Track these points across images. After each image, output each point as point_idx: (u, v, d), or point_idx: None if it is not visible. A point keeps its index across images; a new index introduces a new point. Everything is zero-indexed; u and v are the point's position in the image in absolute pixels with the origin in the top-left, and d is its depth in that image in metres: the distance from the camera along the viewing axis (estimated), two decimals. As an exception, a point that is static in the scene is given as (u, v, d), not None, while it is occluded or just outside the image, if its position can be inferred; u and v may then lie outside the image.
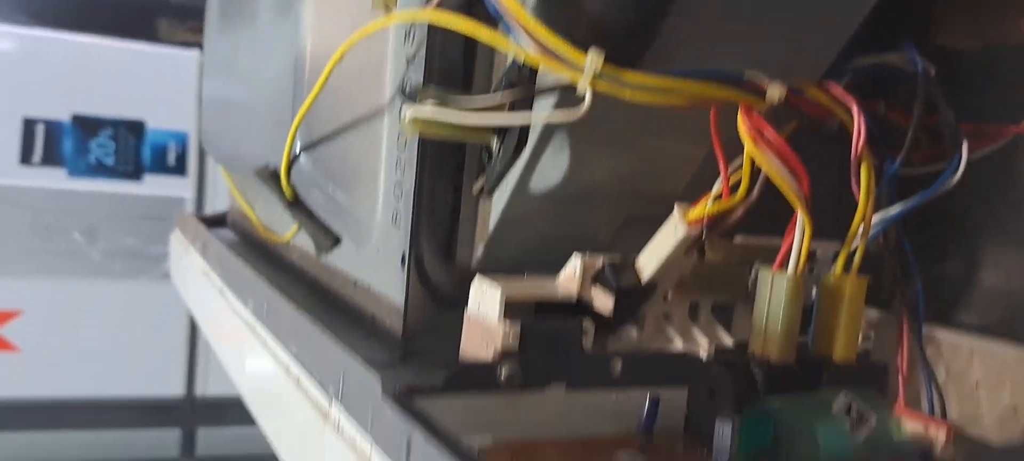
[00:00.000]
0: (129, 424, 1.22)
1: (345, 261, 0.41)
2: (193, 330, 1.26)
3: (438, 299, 0.37)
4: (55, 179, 1.22)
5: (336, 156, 0.39)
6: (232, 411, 1.27)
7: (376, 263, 0.38)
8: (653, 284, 0.35)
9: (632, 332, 0.38)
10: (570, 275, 0.35)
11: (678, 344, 0.39)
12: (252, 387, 0.43)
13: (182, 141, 1.26)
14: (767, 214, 0.36)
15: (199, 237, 0.57)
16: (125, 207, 1.24)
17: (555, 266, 0.35)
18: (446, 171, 0.36)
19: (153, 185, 1.24)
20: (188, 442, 1.26)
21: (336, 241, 0.43)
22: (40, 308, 1.21)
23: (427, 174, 0.35)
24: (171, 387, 1.24)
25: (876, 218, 0.33)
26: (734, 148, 0.30)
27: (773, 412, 0.30)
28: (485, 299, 0.33)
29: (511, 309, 0.33)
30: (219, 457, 1.27)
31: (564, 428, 0.31)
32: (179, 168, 1.23)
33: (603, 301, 0.34)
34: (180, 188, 1.23)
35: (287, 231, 0.47)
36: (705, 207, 0.32)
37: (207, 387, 1.26)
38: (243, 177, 0.54)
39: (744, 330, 0.38)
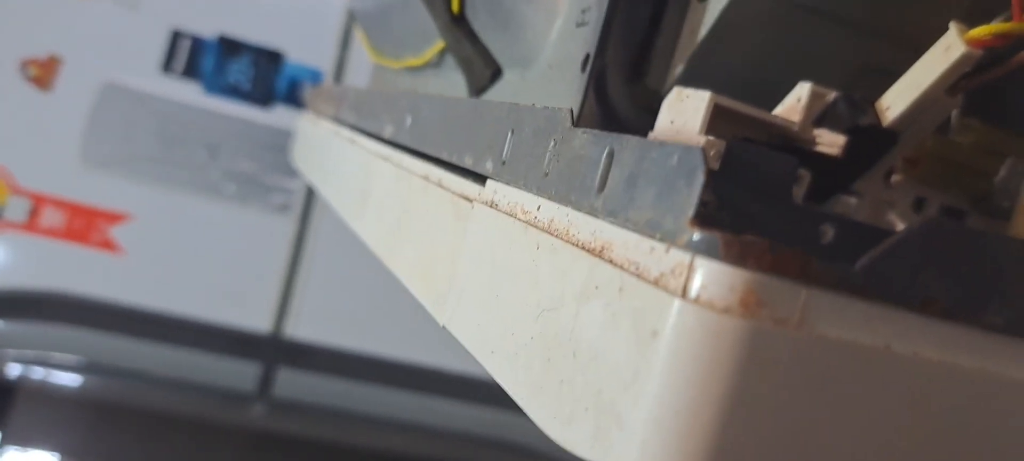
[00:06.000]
0: (212, 349, 1.20)
1: (502, 95, 0.36)
2: (292, 267, 1.23)
3: (614, 122, 0.31)
4: (190, 93, 1.22)
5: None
6: (316, 358, 1.23)
7: (545, 81, 0.33)
8: (895, 134, 0.28)
9: (848, 204, 0.31)
10: (792, 105, 0.28)
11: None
12: (377, 222, 0.38)
13: (317, 78, 1.25)
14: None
15: (333, 98, 0.53)
16: (250, 133, 1.23)
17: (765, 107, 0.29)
18: (656, -36, 0.30)
19: (281, 117, 1.23)
20: (267, 380, 1.23)
21: (495, 73, 0.37)
22: (151, 215, 1.21)
23: (634, -37, 0.30)
24: (260, 321, 1.22)
25: None
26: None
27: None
28: (684, 108, 0.26)
29: (717, 123, 0.26)
30: (295, 401, 1.23)
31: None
32: (309, 104, 1.21)
33: (830, 141, 0.28)
34: (306, 124, 1.22)
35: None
36: (991, 28, 0.25)
37: (297, 329, 1.23)
38: (383, 33, 0.50)
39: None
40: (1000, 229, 0.31)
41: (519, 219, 0.22)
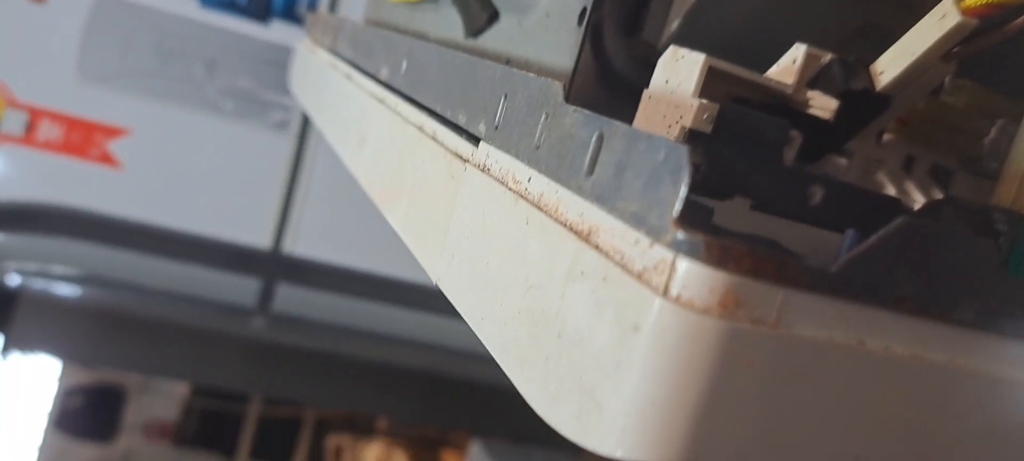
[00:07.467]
0: (211, 264, 1.21)
1: (498, 39, 0.36)
2: (291, 184, 1.24)
3: (610, 78, 0.31)
4: (187, 6, 1.20)
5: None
6: (315, 274, 1.25)
7: (541, 30, 0.32)
8: (888, 98, 0.28)
9: (838, 164, 0.32)
10: (787, 66, 0.28)
11: (890, 192, 0.32)
12: (373, 167, 0.38)
13: (314, -7, 1.23)
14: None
15: (330, 28, 0.52)
16: (248, 48, 1.22)
17: (759, 69, 0.29)
18: (655, -83, 0.30)
19: (279, 32, 1.22)
20: (266, 295, 1.24)
21: (492, 16, 0.37)
22: (148, 131, 1.21)
23: (633, -84, 0.29)
24: (259, 238, 1.23)
25: None
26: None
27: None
28: (679, 68, 0.27)
29: (711, 84, 0.26)
30: (295, 317, 1.25)
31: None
32: (307, 20, 1.19)
33: (823, 104, 0.28)
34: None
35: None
36: (987, -4, 0.25)
37: (295, 246, 1.24)
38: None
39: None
40: (988, 189, 0.31)
41: (510, 188, 0.23)
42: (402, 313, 1.27)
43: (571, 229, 0.19)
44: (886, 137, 0.32)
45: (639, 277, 0.16)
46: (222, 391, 2.37)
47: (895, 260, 0.16)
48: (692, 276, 0.15)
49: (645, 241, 0.17)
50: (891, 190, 0.31)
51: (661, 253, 0.16)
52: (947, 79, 0.31)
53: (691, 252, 0.15)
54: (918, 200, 0.32)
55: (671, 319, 0.15)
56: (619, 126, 0.18)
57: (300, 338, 1.33)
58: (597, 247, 0.18)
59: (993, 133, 0.32)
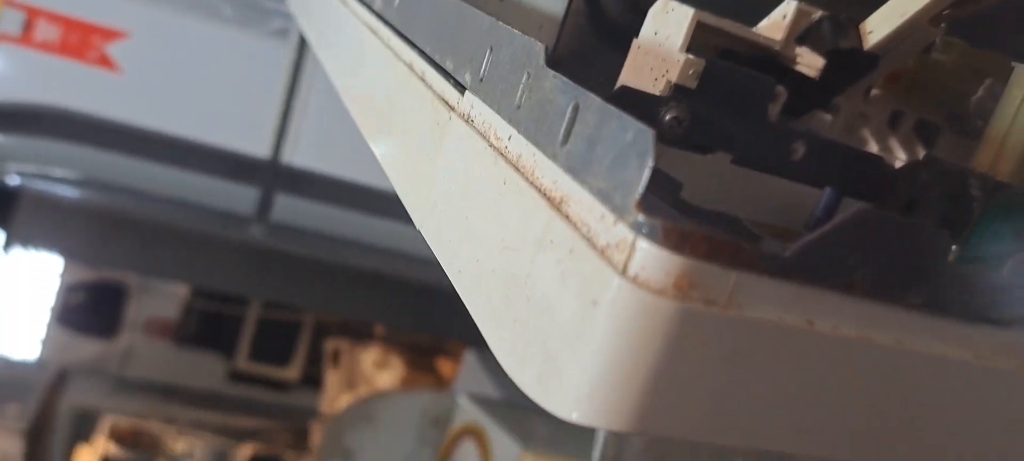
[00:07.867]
0: (210, 171, 1.22)
1: (493, -23, 0.36)
2: (290, 93, 1.23)
3: (602, 23, 0.31)
4: (184, -94, 1.18)
5: None
6: (314, 185, 1.25)
7: (535, -29, 0.32)
8: (876, 57, 0.28)
9: (823, 119, 0.32)
10: (777, 21, 0.28)
11: (873, 149, 0.33)
12: (364, 99, 0.38)
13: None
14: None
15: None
16: (247, -48, 1.20)
17: (750, 20, 0.29)
18: None
19: (279, -64, 1.20)
20: (265, 204, 1.26)
21: (487, -48, 0.37)
22: (147, 35, 1.20)
23: None
24: (259, 147, 1.23)
25: None
26: None
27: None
28: (668, 21, 0.27)
29: (699, 40, 0.26)
30: (293, 226, 1.27)
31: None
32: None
33: (810, 62, 0.28)
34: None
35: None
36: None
37: (294, 156, 1.24)
38: None
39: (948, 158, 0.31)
40: (972, 148, 0.32)
41: (491, 144, 0.23)
42: (399, 226, 1.29)
43: (545, 195, 0.20)
44: (873, 93, 0.32)
45: (602, 253, 0.17)
46: (222, 293, 2.41)
47: (849, 247, 0.17)
48: (650, 258, 0.16)
49: (610, 217, 0.17)
50: (874, 147, 0.32)
51: (623, 232, 0.16)
52: (938, 37, 0.31)
53: (650, 235, 0.16)
54: (900, 158, 0.32)
55: (628, 297, 0.16)
56: (594, 100, 0.19)
57: (298, 247, 1.34)
58: (567, 217, 0.19)
59: (980, 92, 0.32)
